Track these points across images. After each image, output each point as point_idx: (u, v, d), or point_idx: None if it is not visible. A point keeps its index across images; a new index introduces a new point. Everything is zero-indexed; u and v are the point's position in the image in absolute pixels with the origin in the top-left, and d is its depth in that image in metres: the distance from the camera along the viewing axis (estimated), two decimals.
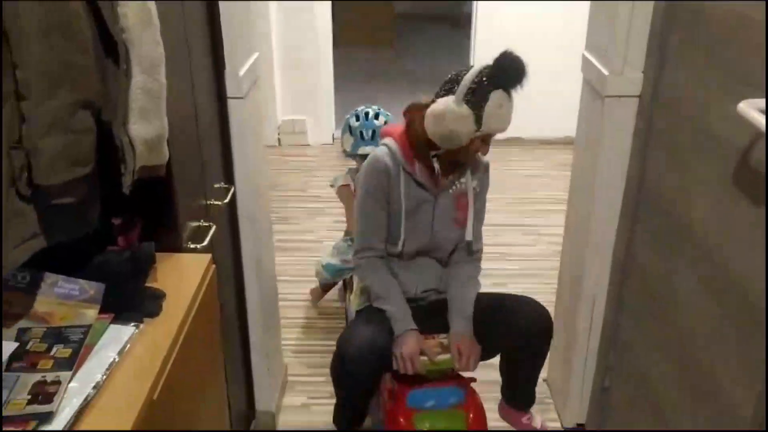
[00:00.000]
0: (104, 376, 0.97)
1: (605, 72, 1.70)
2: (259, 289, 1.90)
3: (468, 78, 1.59)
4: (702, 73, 1.42)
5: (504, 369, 1.93)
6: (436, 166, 1.71)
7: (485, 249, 1.91)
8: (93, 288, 1.10)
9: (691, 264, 1.44)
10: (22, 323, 1.04)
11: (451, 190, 1.77)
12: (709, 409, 1.34)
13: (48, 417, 0.88)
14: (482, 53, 4.28)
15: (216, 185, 1.68)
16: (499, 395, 1.97)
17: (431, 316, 1.81)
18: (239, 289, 1.88)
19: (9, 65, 0.90)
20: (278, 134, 4.31)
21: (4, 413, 0.87)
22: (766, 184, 1.11)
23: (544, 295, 2.14)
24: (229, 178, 1.77)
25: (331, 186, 2.58)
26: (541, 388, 2.32)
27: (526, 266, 3.02)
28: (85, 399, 0.93)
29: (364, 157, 1.95)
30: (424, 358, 1.74)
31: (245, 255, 1.85)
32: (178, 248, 1.37)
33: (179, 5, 1.38)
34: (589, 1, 1.87)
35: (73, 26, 0.95)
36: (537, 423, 1.94)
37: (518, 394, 1.94)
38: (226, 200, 1.67)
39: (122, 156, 1.06)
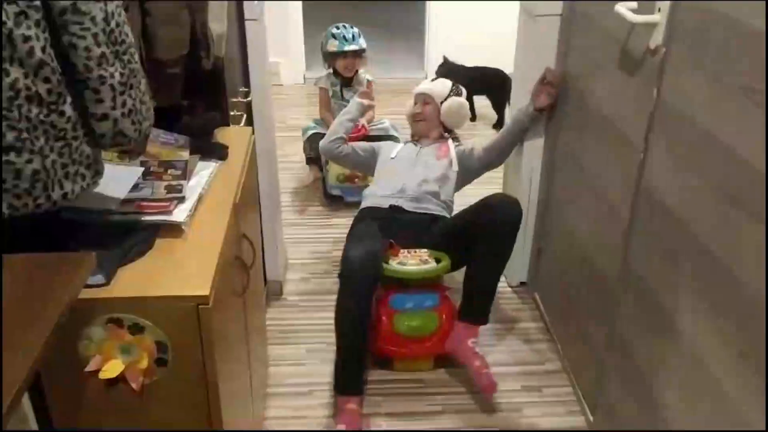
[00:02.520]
0: (206, 186, 1.48)
1: None
2: (268, 170, 2.41)
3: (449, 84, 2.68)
4: None
5: (466, 279, 2.23)
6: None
7: None
8: (182, 139, 1.60)
9: (594, 131, 2.01)
10: (141, 158, 1.53)
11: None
12: (611, 233, 1.91)
13: (182, 199, 1.39)
14: (437, 7, 4.80)
15: (240, 89, 2.17)
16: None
17: (419, 231, 2.30)
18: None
19: None
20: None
21: (152, 199, 1.38)
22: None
23: None
24: (246, 83, 2.26)
25: (315, 84, 3.51)
26: None
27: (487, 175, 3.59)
28: (199, 194, 1.44)
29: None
30: (408, 267, 2.19)
31: (258, 142, 2.35)
32: (227, 125, 1.87)
33: None
34: None
35: None
36: (479, 351, 2.16)
37: (473, 303, 2.21)
38: (248, 99, 2.17)
39: (205, 44, 1.55)
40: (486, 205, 2.24)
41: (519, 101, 2.54)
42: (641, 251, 1.70)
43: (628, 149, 1.74)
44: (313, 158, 3.30)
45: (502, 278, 2.75)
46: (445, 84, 2.69)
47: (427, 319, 2.25)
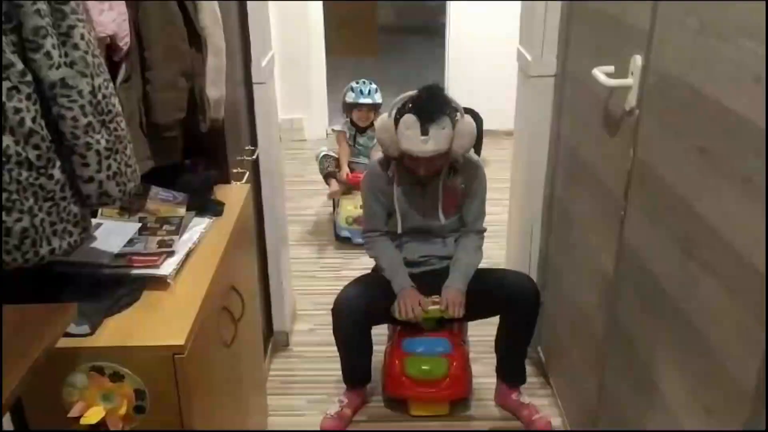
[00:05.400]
0: (197, 241, 1.57)
1: (530, 58, 2.32)
2: (274, 224, 2.50)
3: (399, 99, 2.05)
4: (587, 56, 2.03)
5: (498, 344, 2.36)
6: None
7: None
8: (181, 196, 1.70)
9: (583, 187, 2.05)
10: (140, 215, 1.64)
11: (440, 183, 2.18)
12: (599, 288, 1.93)
13: (171, 253, 1.47)
14: (455, 61, 4.96)
15: (246, 147, 2.29)
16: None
17: (429, 281, 2.23)
18: (260, 226, 2.48)
19: (139, 49, 1.51)
20: (278, 131, 4.92)
21: (144, 253, 1.47)
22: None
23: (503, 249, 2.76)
24: (254, 141, 2.37)
25: (333, 130, 3.85)
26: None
27: (494, 229, 3.62)
28: (188, 249, 1.52)
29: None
30: (419, 308, 2.18)
31: (265, 199, 2.45)
32: (227, 182, 1.97)
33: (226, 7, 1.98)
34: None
35: (176, 23, 1.55)
36: (525, 400, 2.35)
37: (509, 367, 2.36)
38: (253, 157, 2.28)
39: (201, 109, 1.66)
40: (503, 285, 2.24)
41: (518, 139, 2.60)
42: (625, 307, 1.71)
43: (611, 206, 1.78)
44: (330, 173, 3.66)
45: None
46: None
47: (438, 364, 2.29)
